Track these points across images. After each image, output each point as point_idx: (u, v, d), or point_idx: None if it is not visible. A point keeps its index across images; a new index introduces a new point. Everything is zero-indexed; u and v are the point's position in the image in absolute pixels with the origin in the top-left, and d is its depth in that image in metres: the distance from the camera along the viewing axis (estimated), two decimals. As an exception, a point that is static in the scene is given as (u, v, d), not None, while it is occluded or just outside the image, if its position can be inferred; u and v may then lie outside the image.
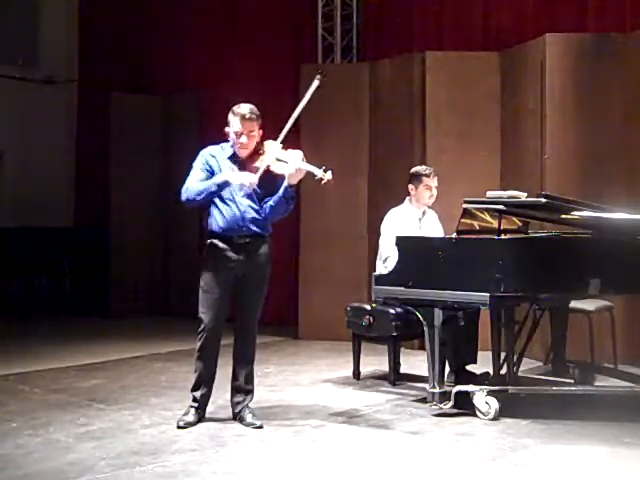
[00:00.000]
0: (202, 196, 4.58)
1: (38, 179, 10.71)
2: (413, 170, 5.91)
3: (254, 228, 4.65)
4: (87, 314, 9.61)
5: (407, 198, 5.92)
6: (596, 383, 5.60)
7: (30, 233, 9.95)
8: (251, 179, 4.53)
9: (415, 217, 5.87)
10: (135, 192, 9.71)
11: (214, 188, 4.57)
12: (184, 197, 4.60)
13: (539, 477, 3.85)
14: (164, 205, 9.80)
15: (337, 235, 7.88)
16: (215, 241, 4.66)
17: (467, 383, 5.08)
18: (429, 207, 5.94)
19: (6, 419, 4.82)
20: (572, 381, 5.54)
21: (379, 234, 5.93)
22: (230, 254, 4.63)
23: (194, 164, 4.71)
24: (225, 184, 4.56)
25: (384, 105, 7.82)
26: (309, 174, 4.48)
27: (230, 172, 4.60)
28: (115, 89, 10.01)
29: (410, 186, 5.86)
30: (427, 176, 5.81)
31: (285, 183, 4.55)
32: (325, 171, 4.41)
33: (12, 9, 10.94)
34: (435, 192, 5.83)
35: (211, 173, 4.64)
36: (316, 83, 4.75)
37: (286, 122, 4.68)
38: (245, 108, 4.64)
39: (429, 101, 7.40)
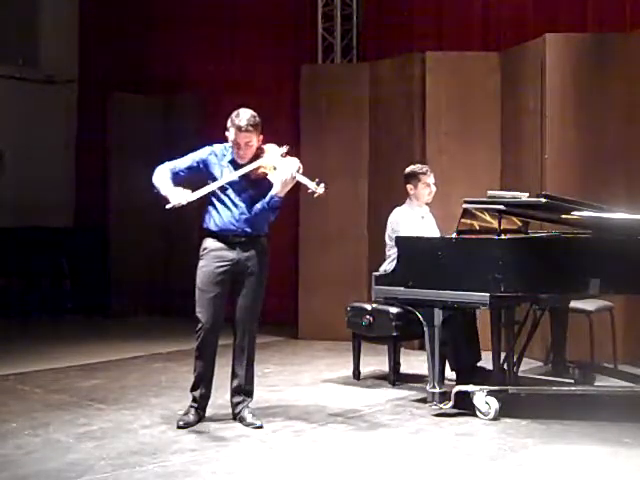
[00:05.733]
0: (154, 187, 4.66)
1: (38, 179, 10.69)
2: (408, 170, 5.90)
3: (249, 229, 4.67)
4: (87, 314, 9.62)
5: (408, 199, 5.91)
6: (596, 383, 5.60)
7: (30, 233, 9.94)
8: (182, 199, 4.55)
9: (418, 215, 5.87)
10: (135, 192, 9.68)
11: (157, 190, 4.65)
12: (154, 175, 4.68)
13: (539, 477, 3.85)
14: (164, 205, 9.79)
15: (337, 235, 7.88)
16: (211, 240, 4.69)
17: (482, 380, 5.07)
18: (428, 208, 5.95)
19: (6, 419, 4.82)
20: (572, 381, 5.54)
21: (385, 232, 5.89)
22: (226, 253, 4.65)
23: (193, 153, 4.77)
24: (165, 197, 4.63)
25: (384, 105, 7.82)
26: (303, 186, 4.57)
27: (171, 192, 4.60)
28: (115, 89, 10.00)
29: (409, 186, 5.85)
30: (424, 174, 5.82)
31: (272, 192, 4.58)
32: (318, 184, 4.48)
33: (12, 9, 10.93)
34: (434, 188, 5.84)
35: (202, 168, 4.70)
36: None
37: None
38: (243, 119, 4.61)
39: (429, 101, 7.40)
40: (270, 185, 4.61)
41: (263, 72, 9.14)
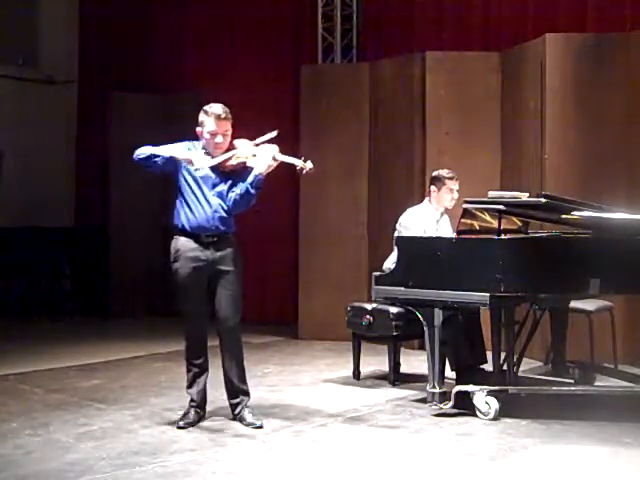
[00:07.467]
0: (152, 159, 4.58)
1: (38, 179, 10.70)
2: (435, 173, 5.87)
3: (222, 227, 4.65)
4: (87, 314, 9.61)
5: (426, 199, 5.90)
6: (596, 383, 5.60)
7: (30, 233, 9.94)
8: (205, 164, 4.51)
9: (433, 218, 5.84)
10: (135, 192, 9.69)
11: (167, 156, 4.55)
12: (137, 153, 4.64)
13: (539, 477, 3.85)
14: (164, 205, 9.79)
15: (337, 235, 7.87)
16: (183, 240, 4.67)
17: (481, 380, 5.06)
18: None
19: (6, 419, 4.83)
20: (572, 381, 5.54)
21: (394, 230, 5.84)
22: (199, 254, 4.63)
23: (170, 144, 4.68)
24: (184, 161, 4.54)
25: (384, 105, 7.81)
26: (292, 166, 4.54)
27: (189, 154, 4.56)
28: (115, 89, 10.01)
29: (432, 187, 5.83)
30: (450, 179, 5.78)
31: (255, 172, 4.53)
32: (305, 161, 4.46)
33: (12, 9, 10.93)
34: (456, 195, 5.79)
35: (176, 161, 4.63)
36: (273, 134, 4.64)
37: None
38: (218, 108, 4.63)
39: (429, 101, 7.39)
40: (245, 177, 4.56)
41: (263, 72, 9.14)
